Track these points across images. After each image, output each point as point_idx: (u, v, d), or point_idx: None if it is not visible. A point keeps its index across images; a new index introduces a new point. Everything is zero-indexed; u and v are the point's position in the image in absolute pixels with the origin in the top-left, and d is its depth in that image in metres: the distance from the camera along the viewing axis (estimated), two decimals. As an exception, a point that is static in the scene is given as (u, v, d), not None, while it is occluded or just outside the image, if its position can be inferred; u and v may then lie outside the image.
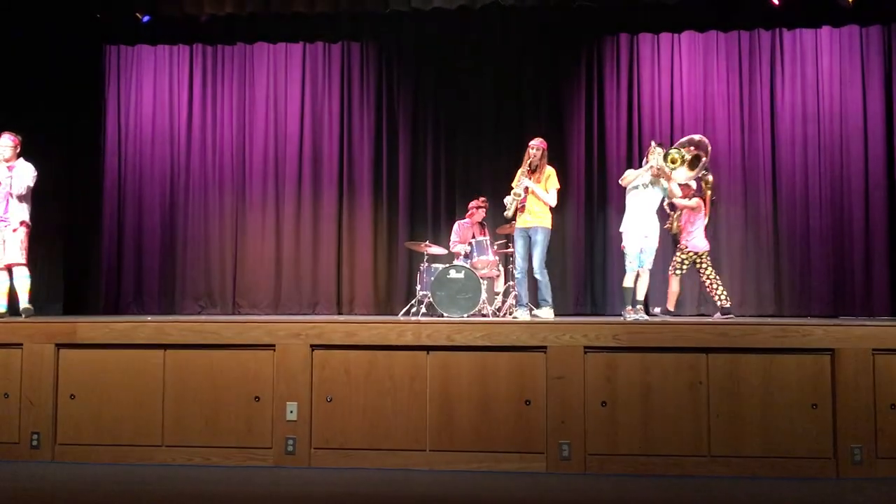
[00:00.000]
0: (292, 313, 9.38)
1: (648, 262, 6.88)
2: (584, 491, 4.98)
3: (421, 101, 9.80)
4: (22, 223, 6.72)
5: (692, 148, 7.08)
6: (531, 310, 7.17)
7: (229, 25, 9.54)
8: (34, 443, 5.64)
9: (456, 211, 9.39)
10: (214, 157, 9.88)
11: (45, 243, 8.57)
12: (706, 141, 7.16)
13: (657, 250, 7.03)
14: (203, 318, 8.15)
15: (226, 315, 9.24)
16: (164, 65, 9.96)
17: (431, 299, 7.57)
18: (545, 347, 5.41)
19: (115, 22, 9.38)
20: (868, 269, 8.90)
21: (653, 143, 7.02)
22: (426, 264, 8.08)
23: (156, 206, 9.78)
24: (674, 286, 7.86)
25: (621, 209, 9.23)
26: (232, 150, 9.88)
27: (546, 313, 6.91)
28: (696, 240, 7.72)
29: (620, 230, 7.00)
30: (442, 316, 7.35)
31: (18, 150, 6.78)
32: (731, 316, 7.68)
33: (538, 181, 6.97)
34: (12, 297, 6.77)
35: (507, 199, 7.07)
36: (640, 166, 7.13)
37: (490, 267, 7.98)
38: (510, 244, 7.96)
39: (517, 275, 7.07)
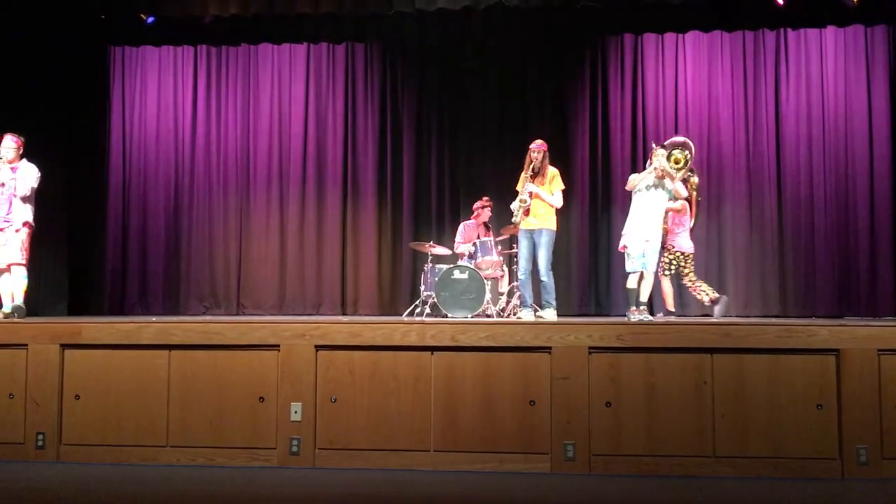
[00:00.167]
0: (296, 314, 9.39)
1: (651, 264, 6.86)
2: (588, 491, 4.97)
3: (425, 102, 9.81)
4: (25, 224, 6.72)
5: (680, 149, 7.14)
6: (535, 311, 7.16)
7: (233, 26, 9.56)
8: (39, 443, 5.65)
9: (460, 211, 9.40)
10: (219, 158, 9.91)
11: (50, 244, 8.59)
12: (690, 142, 7.20)
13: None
14: (207, 318, 8.16)
15: (230, 316, 9.26)
16: (169, 66, 9.99)
17: (436, 300, 7.57)
18: (549, 348, 5.40)
19: (120, 23, 9.41)
20: (873, 269, 8.88)
21: (654, 145, 7.02)
22: (430, 265, 8.08)
23: (160, 206, 9.80)
24: (666, 287, 7.86)
25: (625, 210, 9.22)
26: (236, 151, 9.90)
27: (550, 314, 6.90)
28: (682, 240, 7.75)
29: (623, 232, 6.98)
30: (446, 316, 7.35)
31: (21, 152, 6.78)
32: (724, 298, 7.67)
33: (541, 184, 6.97)
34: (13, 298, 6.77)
35: (514, 205, 7.03)
36: (644, 168, 7.13)
37: (494, 267, 7.98)
38: (514, 245, 7.95)
39: (521, 276, 7.06)
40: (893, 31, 9.04)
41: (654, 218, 6.84)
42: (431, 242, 8.39)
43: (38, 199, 6.90)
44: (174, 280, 9.72)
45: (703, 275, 9.10)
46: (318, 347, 5.55)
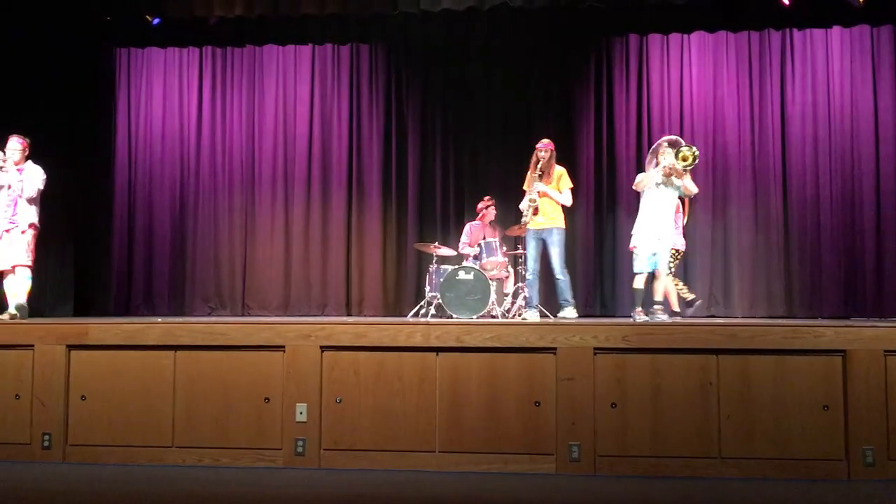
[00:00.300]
0: (301, 315, 9.40)
1: (663, 264, 6.81)
2: (593, 492, 4.96)
3: (430, 103, 9.82)
4: (31, 225, 6.74)
5: (671, 149, 7.13)
6: (541, 312, 7.16)
7: (238, 28, 9.58)
8: (45, 443, 5.66)
9: (465, 212, 9.40)
10: (224, 158, 9.93)
11: (56, 245, 8.62)
12: (682, 141, 7.19)
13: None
14: (213, 319, 8.18)
15: (235, 316, 9.28)
16: (174, 67, 10.01)
17: (441, 300, 7.57)
18: (555, 349, 5.40)
19: (125, 25, 9.43)
20: (879, 269, 8.86)
21: (662, 143, 7.00)
22: (435, 265, 8.08)
23: (166, 207, 9.82)
24: (669, 287, 7.85)
25: (631, 210, 9.23)
26: (241, 152, 9.91)
27: (570, 313, 6.85)
28: (677, 239, 7.75)
29: (632, 232, 6.94)
30: (451, 317, 7.35)
31: (27, 153, 6.80)
32: (699, 302, 7.70)
33: (548, 183, 6.96)
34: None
35: (523, 206, 7.01)
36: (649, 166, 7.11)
37: (499, 268, 7.97)
38: (519, 246, 7.95)
39: (528, 276, 7.04)
40: (900, 32, 9.02)
41: (665, 216, 6.78)
42: (436, 243, 8.40)
43: (44, 200, 6.92)
44: (179, 281, 9.74)
45: (709, 275, 9.11)
46: (323, 348, 5.56)
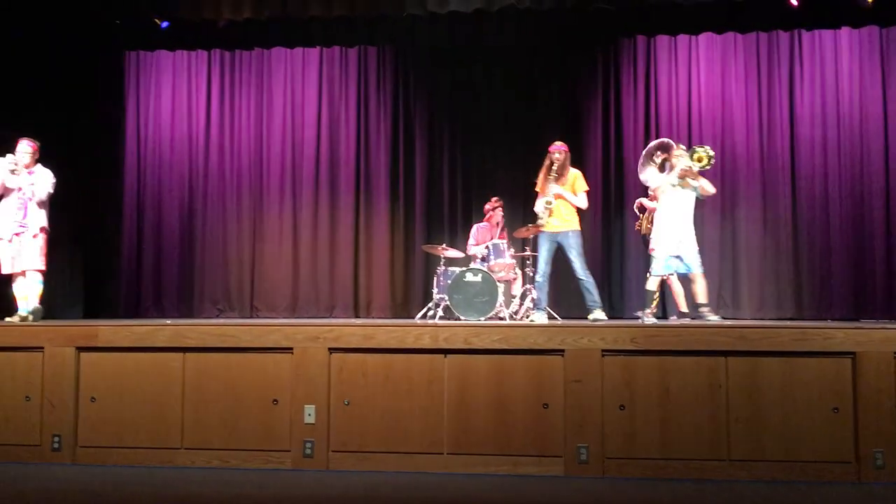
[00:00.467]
0: (310, 317, 9.41)
1: (696, 265, 6.75)
2: (602, 495, 4.96)
3: (437, 105, 9.83)
4: (42, 229, 6.74)
5: (660, 152, 7.17)
6: (549, 314, 7.14)
7: (247, 30, 9.61)
8: (55, 445, 5.68)
9: (473, 214, 9.41)
10: (232, 161, 9.96)
11: (66, 248, 8.65)
12: (673, 144, 7.22)
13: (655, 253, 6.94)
14: (222, 321, 8.20)
15: (244, 319, 9.30)
16: (183, 70, 10.05)
17: (448, 302, 7.58)
18: (563, 351, 5.39)
19: (134, 28, 9.47)
20: (889, 271, 8.82)
21: (677, 146, 7.00)
22: (443, 267, 8.09)
23: (174, 210, 9.86)
24: (676, 288, 7.85)
25: (636, 212, 9.23)
26: (249, 155, 9.95)
27: (601, 314, 6.78)
28: None
29: (651, 235, 6.92)
30: (459, 319, 7.35)
31: (37, 157, 6.80)
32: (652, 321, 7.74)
33: (564, 185, 6.92)
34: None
35: (539, 209, 6.95)
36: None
37: (507, 270, 7.97)
38: (527, 247, 7.95)
39: (538, 279, 6.98)
40: (909, 32, 8.98)
41: (684, 218, 6.75)
42: (444, 245, 8.40)
43: (54, 202, 6.92)
44: (188, 283, 9.77)
45: (717, 277, 9.09)
46: (331, 350, 5.56)
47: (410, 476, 5.30)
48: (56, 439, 5.69)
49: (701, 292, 6.77)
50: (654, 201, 7.68)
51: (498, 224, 8.47)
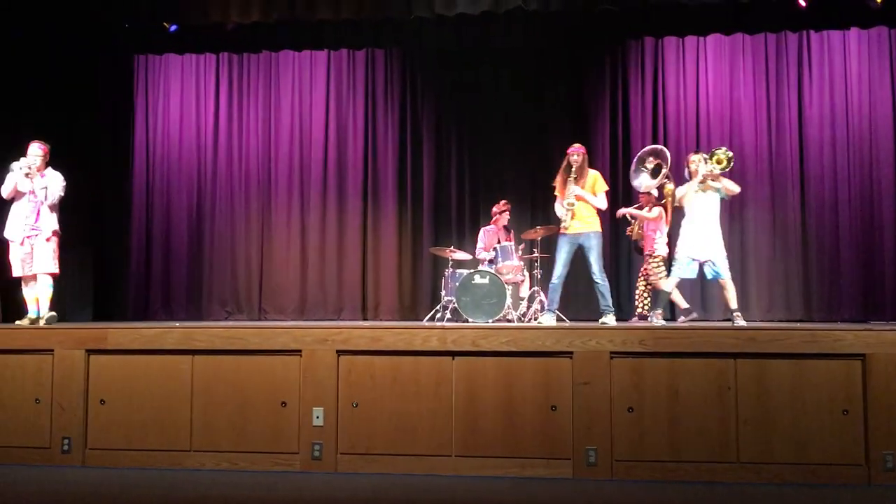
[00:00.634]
0: (318, 319, 9.43)
1: (725, 270, 6.72)
2: (611, 497, 4.95)
3: (444, 107, 9.84)
4: (54, 232, 6.75)
5: (652, 158, 7.20)
6: (557, 316, 7.12)
7: (255, 33, 9.63)
8: (65, 447, 5.71)
9: (480, 216, 9.40)
10: (240, 164, 9.99)
11: (75, 250, 8.68)
12: (667, 151, 7.25)
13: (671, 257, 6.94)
14: (230, 324, 8.21)
15: (252, 321, 9.32)
16: (191, 73, 10.09)
17: (456, 305, 7.57)
18: (571, 353, 5.38)
19: (143, 31, 9.51)
20: (899, 272, 8.78)
21: (689, 155, 7.01)
22: (451, 270, 8.09)
23: (183, 213, 9.89)
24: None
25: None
26: (258, 157, 9.98)
27: (612, 319, 6.77)
28: (660, 246, 7.93)
29: (679, 242, 6.90)
30: (467, 321, 7.35)
31: (47, 159, 6.80)
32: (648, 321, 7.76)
33: (583, 186, 6.90)
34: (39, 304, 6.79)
35: (560, 212, 6.91)
36: (683, 178, 7.12)
37: (515, 272, 7.97)
38: (535, 250, 7.94)
39: (554, 280, 6.93)
40: (917, 33, 8.95)
41: (710, 221, 6.72)
42: (452, 247, 8.40)
43: (64, 205, 6.94)
44: (197, 285, 9.80)
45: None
46: (339, 352, 5.57)
47: (419, 478, 5.30)
48: (66, 442, 5.71)
49: (732, 297, 6.77)
50: (643, 210, 7.92)
51: (505, 227, 8.45)
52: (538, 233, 7.93)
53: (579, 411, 5.33)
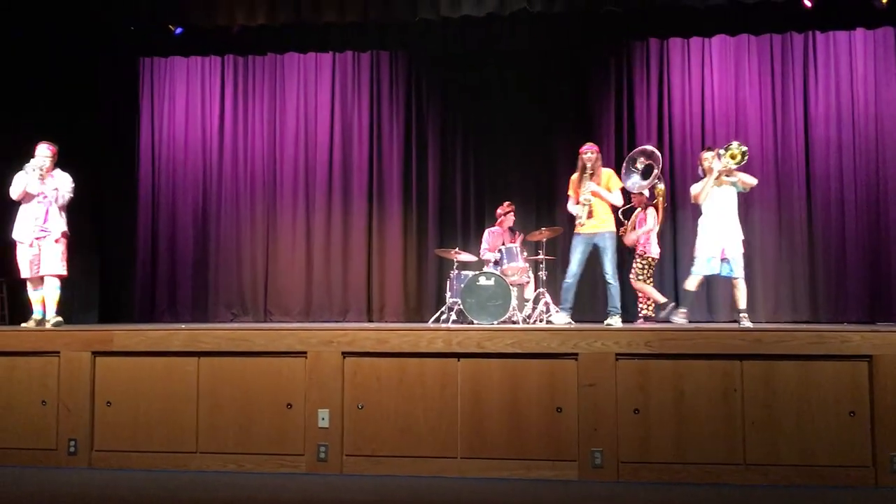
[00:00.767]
0: (323, 321, 9.43)
1: (739, 270, 6.70)
2: (617, 499, 4.94)
3: (449, 109, 9.84)
4: (63, 234, 6.75)
5: (643, 158, 7.19)
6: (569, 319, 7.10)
7: (260, 36, 9.63)
8: (71, 449, 5.72)
9: (485, 218, 9.40)
10: (246, 166, 10.01)
11: (81, 253, 8.71)
12: (658, 153, 7.24)
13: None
14: (236, 325, 8.22)
15: (258, 323, 9.33)
16: (197, 75, 10.12)
17: (461, 306, 7.56)
18: (576, 354, 5.38)
19: (149, 34, 9.52)
20: (905, 274, 8.75)
21: (702, 153, 6.98)
22: (456, 271, 8.07)
23: (189, 215, 9.91)
24: (647, 290, 7.88)
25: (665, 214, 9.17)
26: (263, 160, 9.99)
27: (618, 321, 6.76)
28: (652, 246, 7.93)
29: (697, 240, 6.89)
30: (472, 323, 7.34)
31: (55, 160, 6.78)
32: (671, 305, 7.75)
33: (598, 184, 6.88)
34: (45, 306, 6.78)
35: (576, 209, 6.87)
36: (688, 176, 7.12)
37: (520, 274, 7.95)
38: (540, 251, 7.93)
39: (568, 280, 6.88)
40: (924, 33, 8.91)
41: (728, 216, 6.69)
42: (457, 249, 8.39)
43: (70, 207, 6.95)
44: (202, 287, 9.82)
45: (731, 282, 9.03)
46: (344, 354, 5.58)
47: (424, 480, 5.31)
48: (72, 443, 5.73)
49: (741, 298, 6.73)
50: (649, 219, 7.92)
51: (510, 228, 8.44)
52: (543, 234, 7.92)
53: (585, 413, 5.33)
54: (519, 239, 8.25)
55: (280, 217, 9.89)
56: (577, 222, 6.86)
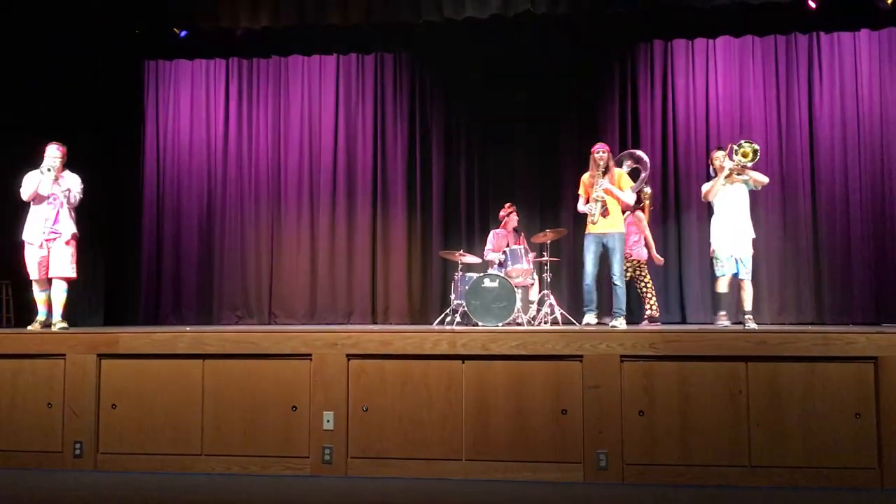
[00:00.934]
0: (328, 323, 9.44)
1: (746, 271, 6.67)
2: (622, 501, 4.93)
3: (453, 110, 9.83)
4: (73, 236, 6.74)
5: (631, 162, 7.19)
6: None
7: (264, 39, 9.66)
8: (77, 452, 5.74)
9: (490, 219, 9.39)
10: (250, 168, 10.01)
11: (87, 255, 8.73)
12: (646, 158, 7.23)
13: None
14: (241, 328, 8.23)
15: (262, 325, 9.33)
16: (201, 78, 10.13)
17: (466, 308, 7.56)
18: (581, 356, 5.38)
19: (154, 37, 9.55)
20: (911, 274, 8.73)
21: (714, 152, 6.97)
22: (460, 273, 8.07)
23: (193, 217, 9.93)
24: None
25: (654, 217, 9.17)
26: (267, 162, 10.00)
27: (622, 323, 6.73)
28: (639, 249, 7.90)
29: (710, 239, 6.87)
30: (477, 325, 7.34)
31: (65, 161, 6.74)
32: (658, 324, 7.76)
33: (611, 183, 6.85)
34: (50, 308, 6.79)
35: (588, 208, 6.81)
36: (706, 176, 7.10)
37: (524, 275, 7.95)
38: (545, 253, 7.93)
39: (587, 281, 6.80)
40: (929, 34, 8.90)
41: (740, 214, 6.68)
42: (461, 251, 8.38)
43: (76, 209, 6.95)
44: (207, 290, 9.82)
45: (736, 281, 9.01)
46: (349, 356, 5.58)
47: (429, 482, 5.31)
48: (77, 446, 5.74)
49: (747, 299, 6.73)
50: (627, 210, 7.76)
51: (515, 230, 8.44)
52: (547, 236, 7.92)
53: (590, 415, 5.32)
54: (523, 240, 8.25)
55: (284, 220, 9.90)
56: (589, 220, 6.79)
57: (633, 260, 7.90)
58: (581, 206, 6.93)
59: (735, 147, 6.71)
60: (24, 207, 6.79)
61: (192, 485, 5.30)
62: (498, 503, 4.89)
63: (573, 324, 7.67)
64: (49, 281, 6.75)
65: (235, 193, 9.98)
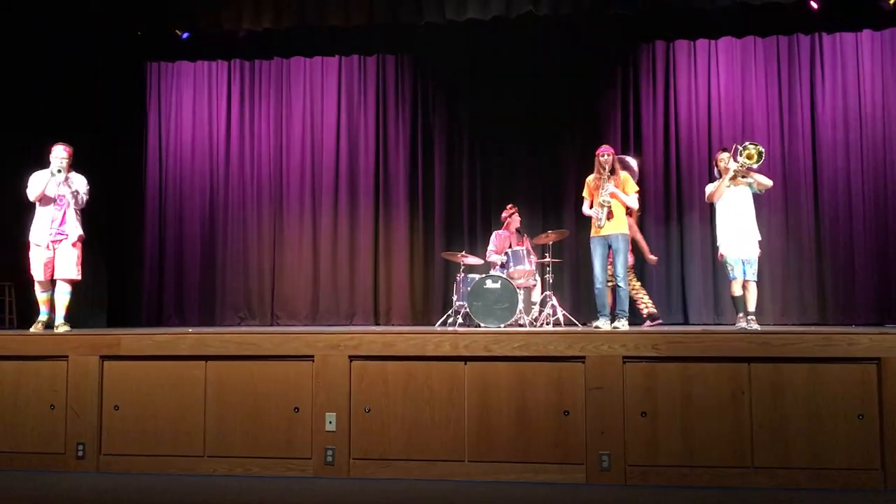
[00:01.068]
0: (330, 324, 9.44)
1: (752, 272, 6.65)
2: (624, 502, 4.93)
3: (455, 112, 9.84)
4: (79, 237, 6.73)
5: (618, 166, 7.19)
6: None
7: (266, 40, 9.68)
8: (79, 453, 5.74)
9: (492, 221, 9.39)
10: (252, 170, 10.03)
11: (89, 257, 8.72)
12: (634, 165, 7.27)
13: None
14: (243, 329, 8.24)
15: (265, 327, 9.34)
16: (203, 80, 10.15)
17: (468, 310, 7.56)
18: (583, 357, 5.38)
19: (156, 39, 9.57)
20: (914, 275, 8.71)
21: (718, 153, 6.96)
22: (463, 274, 8.07)
23: (196, 219, 9.94)
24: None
25: (657, 218, 9.18)
26: (270, 164, 10.01)
27: (624, 324, 6.73)
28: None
29: (718, 243, 6.87)
30: (479, 326, 7.34)
31: (71, 161, 6.70)
32: (659, 321, 7.77)
33: (616, 185, 6.85)
34: (52, 308, 6.77)
35: (594, 212, 6.80)
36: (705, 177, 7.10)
37: (527, 277, 7.95)
38: (547, 254, 7.93)
39: (598, 285, 6.80)
40: (931, 34, 8.89)
41: (745, 215, 6.65)
42: (463, 252, 8.39)
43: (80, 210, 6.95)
44: (209, 291, 9.84)
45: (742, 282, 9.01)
46: (351, 358, 5.58)
47: (431, 483, 5.30)
48: (80, 447, 5.74)
49: (752, 300, 6.69)
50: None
51: (517, 231, 8.44)
52: (550, 238, 7.92)
53: (592, 416, 5.32)
54: (526, 242, 8.25)
55: (287, 221, 9.91)
56: (595, 225, 6.79)
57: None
58: (586, 210, 6.92)
59: (740, 148, 6.67)
60: (24, 208, 6.78)
61: (194, 486, 5.30)
62: (500, 504, 4.89)
63: (575, 325, 7.67)
64: (53, 282, 6.73)
65: (238, 195, 9.99)
